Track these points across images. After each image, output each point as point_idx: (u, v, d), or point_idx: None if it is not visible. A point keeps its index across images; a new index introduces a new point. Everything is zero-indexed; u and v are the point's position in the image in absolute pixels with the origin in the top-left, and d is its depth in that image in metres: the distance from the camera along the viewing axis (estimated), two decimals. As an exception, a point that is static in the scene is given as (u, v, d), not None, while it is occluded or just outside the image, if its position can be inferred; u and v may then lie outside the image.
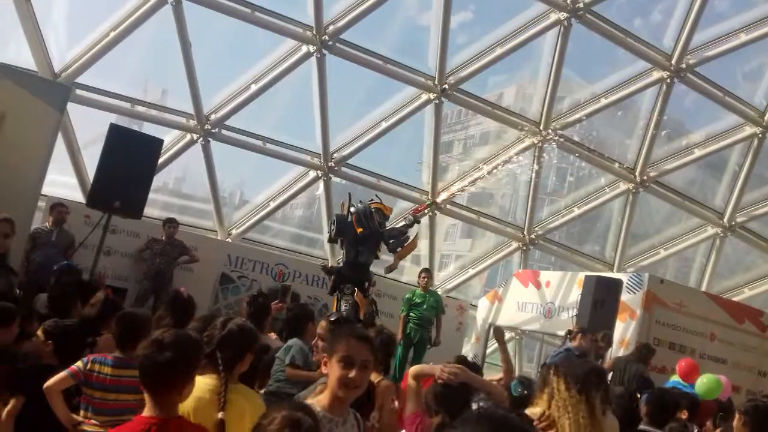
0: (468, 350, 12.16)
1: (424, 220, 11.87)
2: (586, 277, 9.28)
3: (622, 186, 12.43)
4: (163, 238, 9.64)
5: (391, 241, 7.74)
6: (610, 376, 7.61)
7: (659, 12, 13.93)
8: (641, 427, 4.85)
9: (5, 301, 4.62)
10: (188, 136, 10.36)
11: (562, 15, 10.46)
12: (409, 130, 12.18)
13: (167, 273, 9.54)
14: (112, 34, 9.32)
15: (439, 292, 11.13)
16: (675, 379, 7.67)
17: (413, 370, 3.45)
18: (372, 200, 7.85)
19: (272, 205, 11.44)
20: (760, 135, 12.23)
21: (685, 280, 13.54)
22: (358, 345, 2.71)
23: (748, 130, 12.27)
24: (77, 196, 9.82)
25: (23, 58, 9.16)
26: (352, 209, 7.53)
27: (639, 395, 5.58)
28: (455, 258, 15.13)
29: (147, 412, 2.49)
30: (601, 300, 8.61)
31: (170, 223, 9.71)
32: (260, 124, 11.08)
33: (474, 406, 2.96)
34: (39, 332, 4.38)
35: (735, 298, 12.66)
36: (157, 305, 8.52)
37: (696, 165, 13.09)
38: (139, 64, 11.61)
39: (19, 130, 7.63)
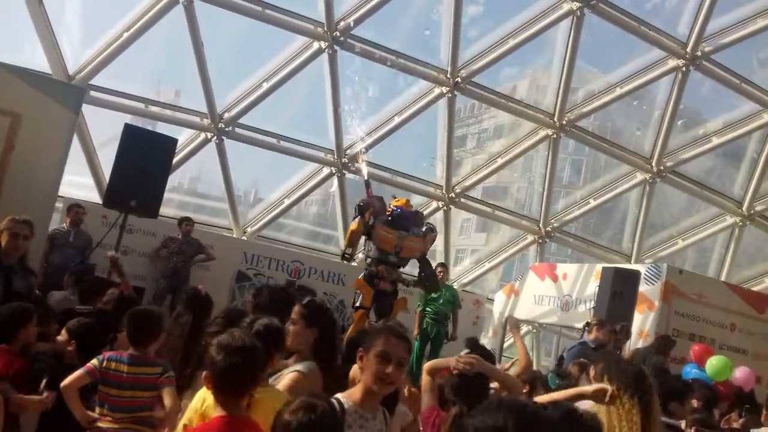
0: (485, 344, 12.10)
1: (438, 215, 11.85)
2: (604, 269, 9.19)
3: (639, 176, 12.30)
4: (180, 236, 9.69)
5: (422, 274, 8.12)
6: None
7: (673, -1, 13.74)
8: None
9: (25, 301, 4.67)
10: (202, 135, 10.40)
11: (575, 5, 10.35)
12: (422, 125, 12.16)
13: (184, 271, 9.58)
14: (125, 36, 9.38)
15: (455, 287, 11.11)
16: (690, 365, 7.61)
17: (427, 365, 3.47)
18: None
19: (287, 202, 11.46)
20: (778, 122, 12.05)
21: (704, 271, 13.37)
22: (397, 342, 2.78)
23: (766, 117, 12.08)
24: (94, 196, 9.91)
25: (38, 60, 9.25)
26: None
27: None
28: (471, 252, 15.12)
29: (217, 412, 2.62)
30: (619, 292, 8.53)
31: (186, 222, 9.75)
32: (273, 121, 11.13)
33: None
34: (63, 332, 4.43)
35: (755, 288, 12.51)
36: (174, 304, 8.60)
37: (713, 154, 12.89)
38: (153, 64, 11.72)
39: (36, 133, 7.68)
